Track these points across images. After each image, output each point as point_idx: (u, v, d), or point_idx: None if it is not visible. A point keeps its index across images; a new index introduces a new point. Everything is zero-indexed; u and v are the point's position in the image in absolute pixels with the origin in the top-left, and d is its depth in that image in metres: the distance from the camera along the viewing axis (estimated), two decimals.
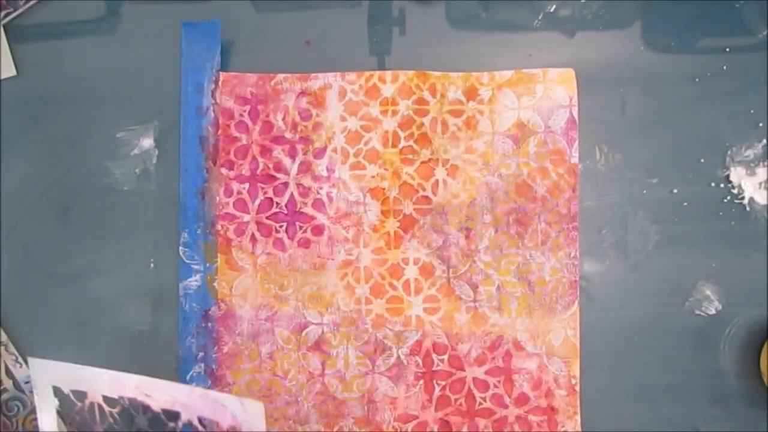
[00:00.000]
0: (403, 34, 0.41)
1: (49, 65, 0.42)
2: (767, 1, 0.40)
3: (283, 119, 0.40)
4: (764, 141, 0.40)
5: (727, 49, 0.40)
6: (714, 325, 0.39)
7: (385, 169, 0.40)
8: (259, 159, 0.40)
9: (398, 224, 0.40)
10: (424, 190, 0.40)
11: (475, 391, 0.39)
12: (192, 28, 0.41)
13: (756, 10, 0.40)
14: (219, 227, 0.40)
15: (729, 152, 0.40)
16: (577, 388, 0.39)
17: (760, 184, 0.39)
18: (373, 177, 0.40)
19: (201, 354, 0.40)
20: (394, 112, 0.40)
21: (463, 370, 0.39)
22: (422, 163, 0.40)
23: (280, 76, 0.41)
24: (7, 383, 0.40)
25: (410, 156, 0.40)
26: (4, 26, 0.42)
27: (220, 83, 0.41)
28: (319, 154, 0.40)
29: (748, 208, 0.40)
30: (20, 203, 0.42)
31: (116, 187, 0.41)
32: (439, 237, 0.40)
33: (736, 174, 0.40)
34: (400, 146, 0.40)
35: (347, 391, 0.40)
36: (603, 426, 0.39)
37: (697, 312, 0.40)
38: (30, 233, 0.42)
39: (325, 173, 0.40)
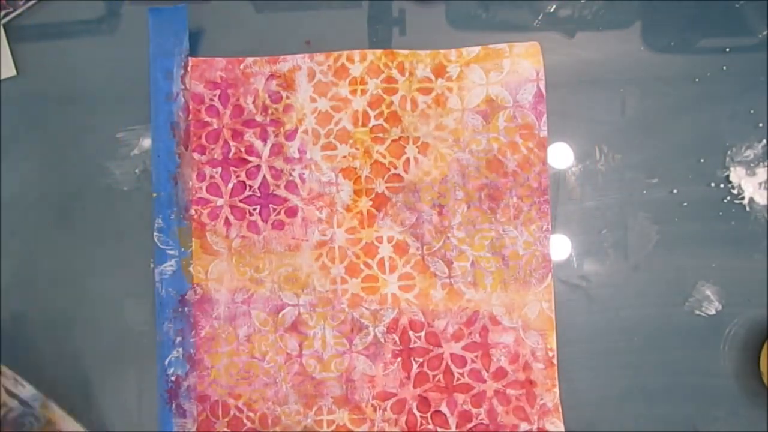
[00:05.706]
0: (403, 34, 0.41)
1: (49, 65, 0.42)
2: (767, 1, 0.40)
3: (254, 102, 0.41)
4: (764, 141, 0.40)
5: (727, 49, 0.40)
6: (714, 325, 0.39)
7: (356, 149, 0.40)
8: (231, 143, 0.41)
9: (371, 203, 0.40)
10: (395, 168, 0.40)
11: (452, 366, 0.40)
12: (159, 14, 0.40)
13: (756, 10, 0.40)
14: (193, 212, 0.40)
15: (729, 152, 0.40)
16: (555, 361, 0.39)
17: (760, 184, 0.39)
18: (344, 157, 0.40)
19: (179, 339, 0.40)
20: (363, 92, 0.40)
21: (440, 346, 0.40)
22: (393, 141, 0.40)
23: (249, 60, 0.41)
24: (12, 403, 0.39)
25: (381, 135, 0.40)
26: (4, 26, 0.42)
27: (189, 68, 0.41)
28: (291, 135, 0.41)
29: (748, 208, 0.40)
30: (20, 203, 0.42)
31: (116, 187, 0.41)
32: (412, 214, 0.40)
33: (736, 174, 0.40)
34: (371, 125, 0.40)
35: (325, 370, 0.40)
36: (603, 426, 0.39)
37: (697, 312, 0.40)
38: (30, 233, 0.42)
39: (296, 155, 0.40)
